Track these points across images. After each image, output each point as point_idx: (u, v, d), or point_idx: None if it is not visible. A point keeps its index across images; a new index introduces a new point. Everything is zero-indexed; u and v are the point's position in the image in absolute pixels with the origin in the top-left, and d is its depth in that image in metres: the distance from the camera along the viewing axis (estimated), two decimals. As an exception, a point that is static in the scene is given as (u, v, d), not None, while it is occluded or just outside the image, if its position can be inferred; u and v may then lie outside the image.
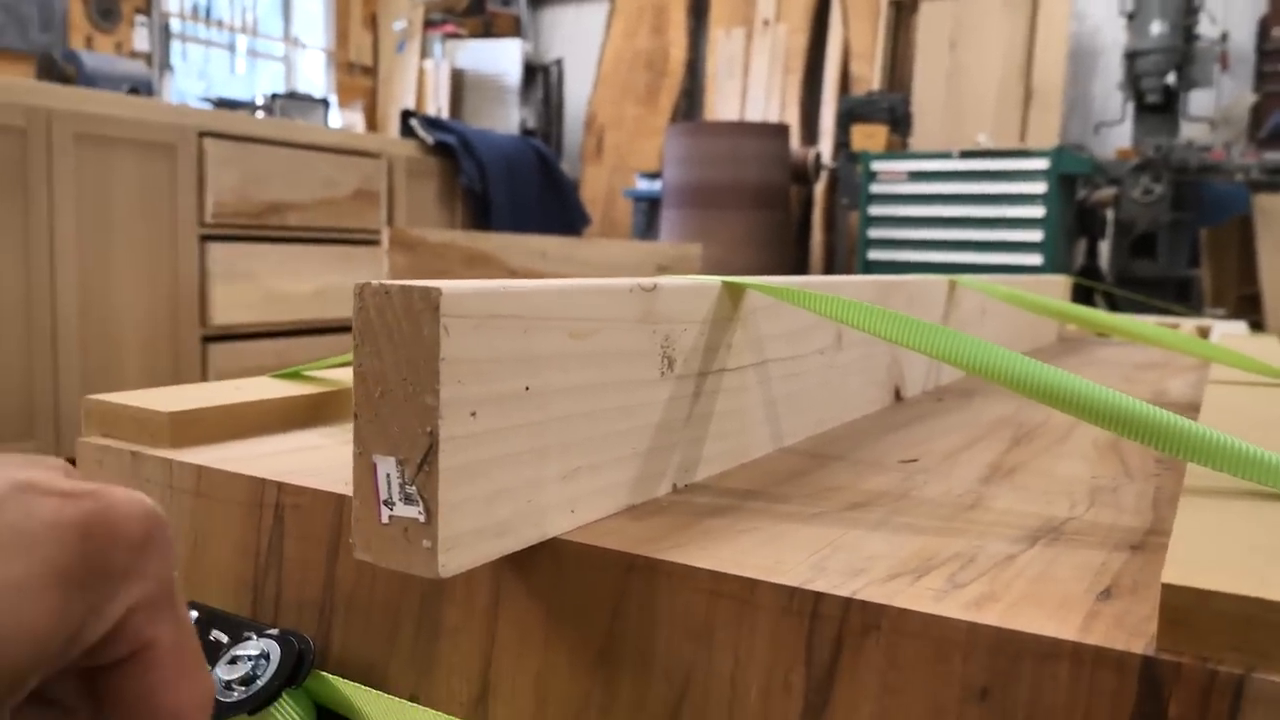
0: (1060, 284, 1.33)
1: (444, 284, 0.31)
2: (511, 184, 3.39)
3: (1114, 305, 4.06)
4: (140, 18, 5.28)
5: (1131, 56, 4.51)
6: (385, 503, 0.32)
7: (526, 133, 6.19)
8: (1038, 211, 3.96)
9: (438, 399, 0.30)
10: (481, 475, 0.32)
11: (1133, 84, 4.53)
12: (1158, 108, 4.52)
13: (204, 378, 2.60)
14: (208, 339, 2.62)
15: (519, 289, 0.34)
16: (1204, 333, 1.39)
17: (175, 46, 5.56)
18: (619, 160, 6.32)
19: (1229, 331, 1.35)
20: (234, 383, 0.59)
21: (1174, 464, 0.51)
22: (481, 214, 3.34)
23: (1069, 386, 0.38)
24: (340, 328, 2.88)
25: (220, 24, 5.92)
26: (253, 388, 0.58)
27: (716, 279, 0.45)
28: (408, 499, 0.31)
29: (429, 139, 3.26)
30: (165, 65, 5.37)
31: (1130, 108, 4.69)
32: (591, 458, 0.38)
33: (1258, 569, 0.28)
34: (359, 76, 6.67)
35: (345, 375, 0.62)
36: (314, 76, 6.53)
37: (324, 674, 0.41)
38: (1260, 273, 3.88)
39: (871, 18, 5.61)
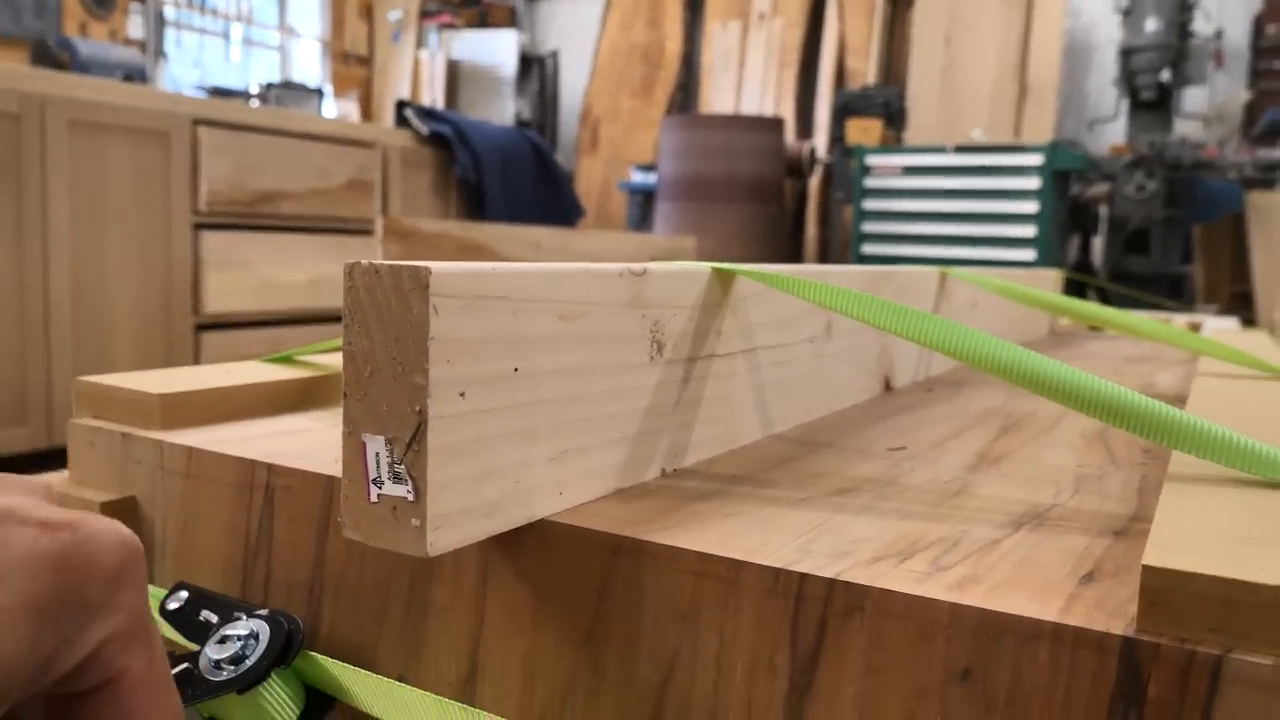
0: (1052, 278, 1.33)
1: (433, 264, 0.31)
2: (506, 175, 3.39)
3: (1106, 301, 4.07)
4: (135, 5, 5.26)
5: (1126, 53, 4.51)
6: (374, 481, 0.32)
7: (522, 124, 6.18)
8: (1031, 207, 3.97)
9: (427, 378, 0.31)
10: (470, 455, 0.33)
11: (1127, 80, 4.54)
12: (1152, 104, 4.53)
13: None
14: (201, 327, 2.62)
15: (508, 271, 0.34)
16: (1195, 329, 1.40)
17: (170, 34, 5.54)
18: (614, 152, 6.31)
19: (1220, 327, 1.35)
20: (225, 366, 0.59)
21: (1160, 453, 0.52)
22: (476, 205, 3.33)
23: (1056, 374, 0.38)
24: (333, 317, 2.88)
25: (215, 12, 5.90)
26: (243, 371, 0.58)
27: (706, 265, 0.45)
28: (396, 478, 0.32)
29: (424, 129, 3.26)
30: (160, 53, 5.36)
31: (1124, 104, 4.71)
32: (580, 440, 0.38)
33: (1237, 552, 0.29)
34: (354, 66, 6.66)
35: (336, 360, 0.62)
36: (309, 66, 6.51)
37: (313, 654, 0.41)
38: (1252, 270, 3.89)
39: (867, 12, 5.61)
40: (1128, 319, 0.76)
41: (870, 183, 4.31)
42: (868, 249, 4.33)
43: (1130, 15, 4.50)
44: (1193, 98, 4.82)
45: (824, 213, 5.46)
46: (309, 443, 0.48)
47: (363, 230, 2.99)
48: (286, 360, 0.62)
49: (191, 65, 5.72)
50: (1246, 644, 0.26)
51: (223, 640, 0.40)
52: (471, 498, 0.33)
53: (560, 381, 0.36)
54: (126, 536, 0.25)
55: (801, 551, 0.33)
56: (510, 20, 6.85)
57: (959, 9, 5.05)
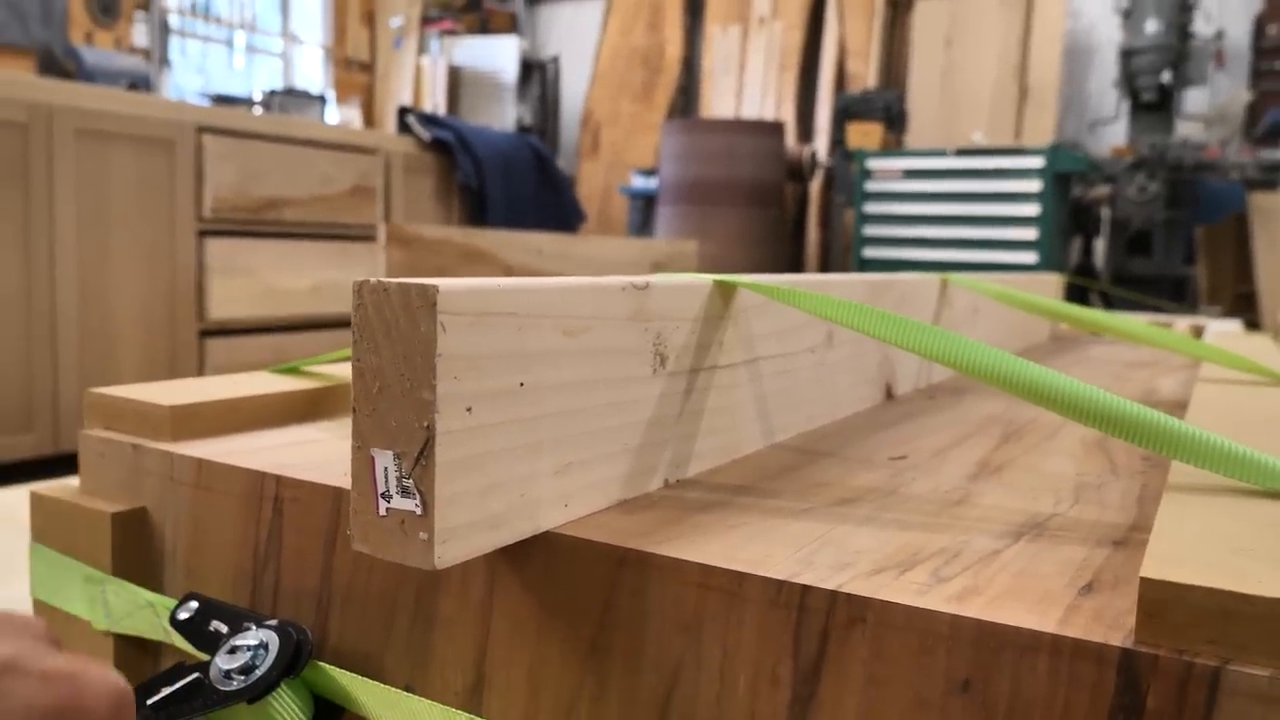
0: (1053, 282, 1.34)
1: (440, 282, 0.31)
2: (508, 180, 3.39)
3: (1109, 304, 4.07)
4: (140, 13, 5.27)
5: (1127, 54, 4.51)
6: (383, 495, 0.33)
7: (523, 129, 6.18)
8: (1033, 209, 3.97)
9: (434, 394, 0.31)
10: (477, 469, 0.33)
11: (1128, 82, 4.54)
12: (1153, 105, 4.53)
13: (201, 372, 2.61)
14: (205, 334, 2.62)
15: (513, 287, 0.34)
16: (1198, 331, 1.40)
17: (174, 42, 5.55)
18: (615, 157, 6.32)
19: (1223, 330, 1.36)
20: (232, 377, 0.60)
21: (1160, 461, 0.52)
22: (478, 210, 3.34)
23: (1054, 385, 0.39)
24: (337, 323, 2.88)
25: (219, 20, 5.91)
26: (251, 383, 0.58)
27: (708, 277, 0.45)
28: (405, 492, 0.32)
29: (426, 135, 3.27)
30: (164, 61, 5.37)
31: (1125, 105, 4.70)
32: (584, 453, 0.38)
33: (1235, 564, 0.29)
34: (356, 73, 6.67)
35: (341, 371, 0.63)
36: (311, 73, 6.52)
37: (321, 664, 0.41)
38: (1256, 271, 3.89)
39: (867, 15, 5.61)
40: (1126, 325, 0.77)
41: (871, 186, 4.32)
42: (869, 252, 4.33)
43: (1130, 17, 4.50)
44: (1194, 99, 4.82)
45: (825, 216, 5.46)
46: (316, 454, 0.48)
47: (365, 236, 2.99)
48: (293, 371, 0.63)
49: (195, 72, 5.74)
50: (1244, 655, 0.27)
51: (233, 650, 0.40)
52: (478, 511, 0.33)
53: (565, 395, 0.37)
54: (119, 686, 0.28)
55: (804, 563, 0.34)
56: (511, 26, 6.86)
57: (959, 11, 5.05)
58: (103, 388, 0.53)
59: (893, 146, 4.76)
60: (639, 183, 5.39)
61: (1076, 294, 4.23)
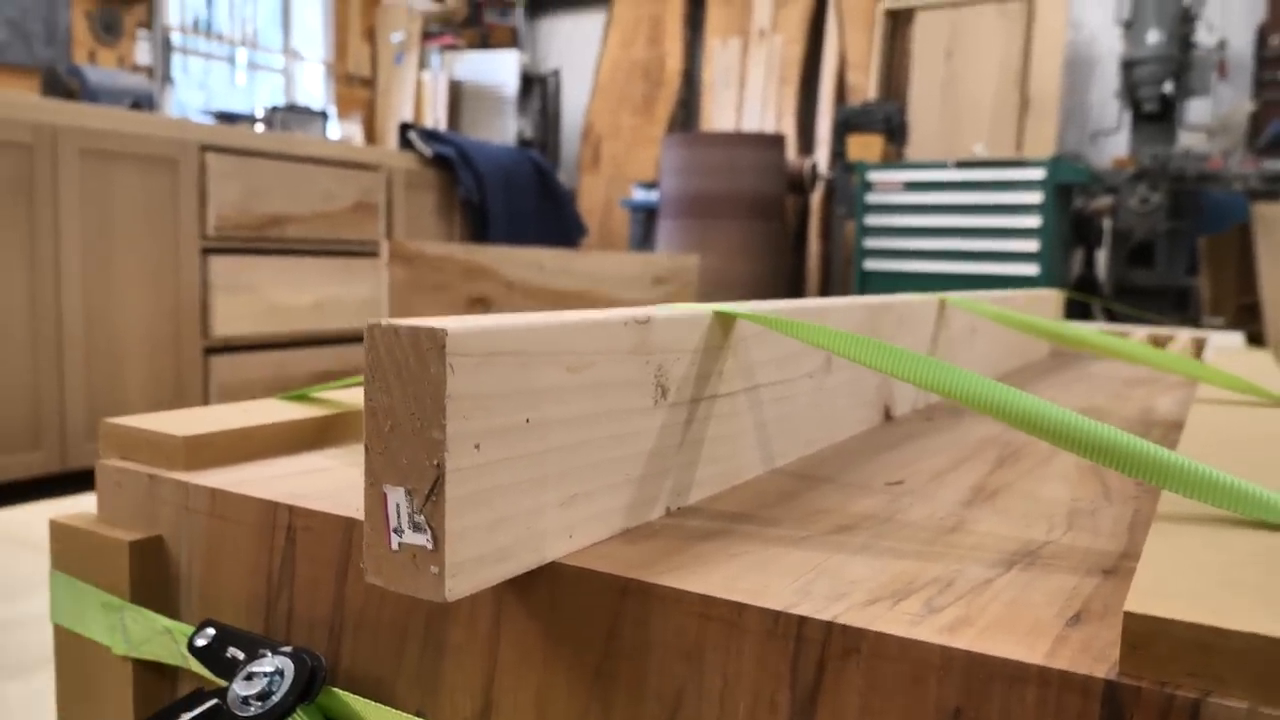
0: (1052, 299, 1.35)
1: (449, 323, 0.33)
2: (509, 195, 3.41)
3: (1112, 316, 4.08)
4: (142, 31, 5.31)
5: (1128, 65, 4.53)
6: (395, 530, 0.34)
7: (524, 143, 6.21)
8: (1034, 221, 3.98)
9: (444, 433, 0.32)
10: (485, 504, 0.34)
11: (1129, 92, 4.55)
12: (1155, 116, 4.54)
13: (206, 389, 2.62)
14: (209, 350, 2.64)
15: (518, 325, 0.35)
16: (1199, 344, 1.41)
17: (176, 59, 5.59)
18: (616, 170, 6.34)
19: (1224, 345, 1.37)
20: (243, 405, 0.61)
21: (1154, 486, 0.53)
22: (479, 225, 3.36)
23: (1047, 415, 0.40)
24: (340, 339, 2.90)
25: (220, 37, 5.95)
26: (262, 411, 0.60)
27: (708, 308, 0.47)
28: (416, 527, 0.33)
29: (427, 151, 3.29)
30: (166, 78, 5.40)
31: (1127, 116, 4.72)
32: (588, 485, 0.40)
33: (1217, 597, 0.30)
34: (358, 88, 6.70)
35: (349, 397, 0.64)
36: (313, 88, 6.56)
37: (335, 690, 0.42)
38: (1259, 282, 3.90)
39: (867, 28, 5.64)
40: (1123, 346, 0.78)
41: (872, 199, 4.33)
42: (870, 265, 4.34)
43: (1131, 27, 4.52)
44: (1196, 109, 4.84)
45: (826, 228, 5.48)
46: (327, 483, 0.50)
47: (368, 252, 3.01)
48: (302, 398, 0.64)
49: (198, 89, 5.77)
50: (1223, 688, 0.28)
51: (250, 677, 0.42)
52: (486, 544, 0.35)
53: (569, 429, 0.38)
54: None
55: (801, 593, 0.35)
56: (512, 40, 6.89)
57: (959, 23, 5.08)
58: (117, 418, 0.54)
59: (893, 158, 4.77)
60: (640, 196, 5.41)
61: (1078, 309, 4.25)
